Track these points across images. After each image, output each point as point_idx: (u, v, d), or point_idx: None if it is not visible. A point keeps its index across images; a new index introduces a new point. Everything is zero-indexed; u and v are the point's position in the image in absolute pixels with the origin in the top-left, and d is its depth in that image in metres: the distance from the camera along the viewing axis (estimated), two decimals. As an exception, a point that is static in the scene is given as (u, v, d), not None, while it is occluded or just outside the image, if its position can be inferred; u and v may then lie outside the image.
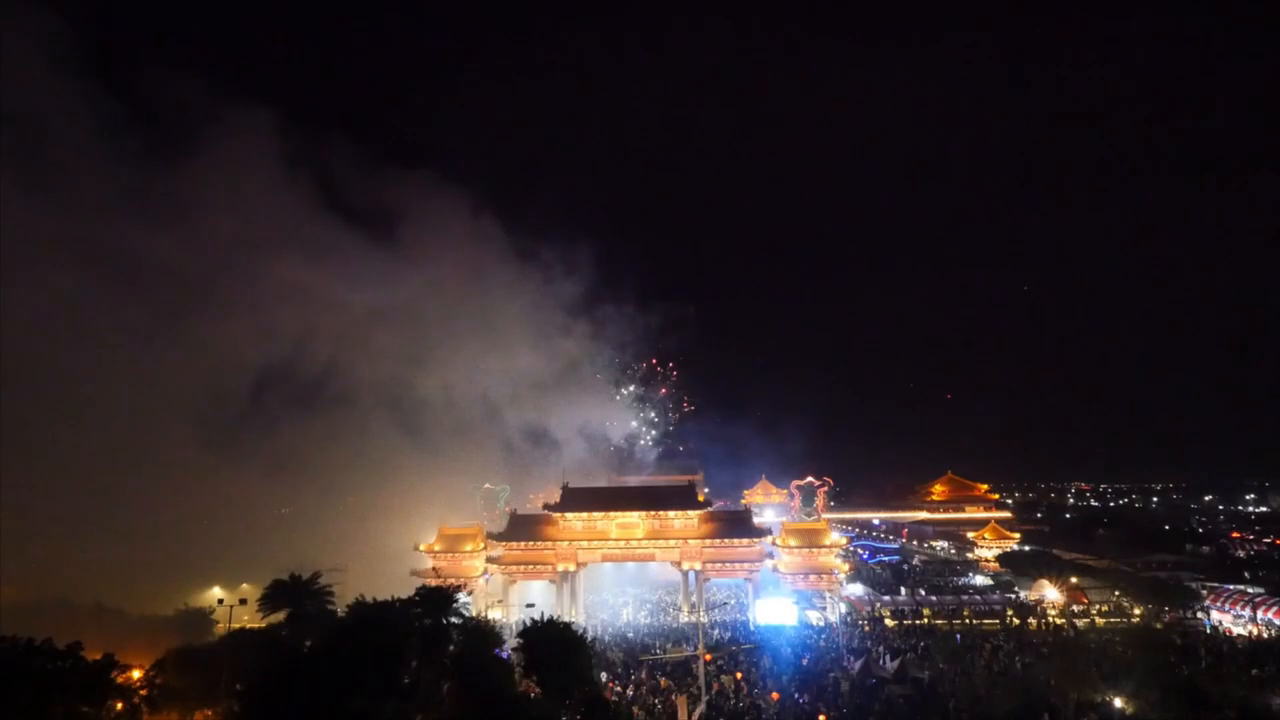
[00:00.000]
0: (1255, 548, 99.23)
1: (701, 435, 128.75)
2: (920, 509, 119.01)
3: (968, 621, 52.63)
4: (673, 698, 33.31)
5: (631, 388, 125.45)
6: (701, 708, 31.57)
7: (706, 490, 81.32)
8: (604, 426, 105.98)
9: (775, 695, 33.78)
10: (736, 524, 60.44)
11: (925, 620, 53.27)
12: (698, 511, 59.17)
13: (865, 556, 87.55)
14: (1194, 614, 53.60)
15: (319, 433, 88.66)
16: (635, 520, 59.10)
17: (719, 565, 57.67)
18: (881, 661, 39.29)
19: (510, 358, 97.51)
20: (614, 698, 33.20)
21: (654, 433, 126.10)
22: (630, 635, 50.82)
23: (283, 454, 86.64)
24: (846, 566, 60.63)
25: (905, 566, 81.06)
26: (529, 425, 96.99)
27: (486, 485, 69.36)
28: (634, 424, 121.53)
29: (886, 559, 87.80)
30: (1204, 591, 56.56)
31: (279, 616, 32.66)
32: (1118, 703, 29.62)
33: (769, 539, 58.67)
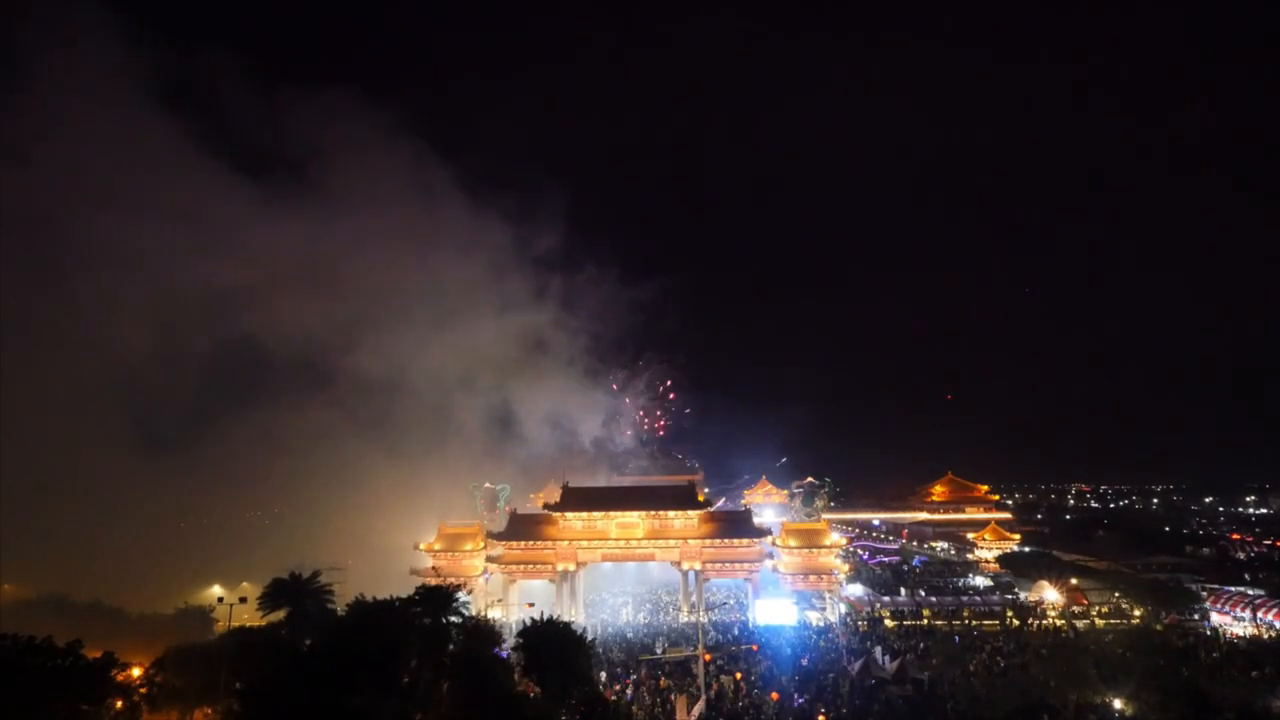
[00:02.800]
0: (1255, 549, 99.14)
1: (699, 434, 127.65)
2: (920, 510, 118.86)
3: (967, 622, 52.62)
4: (672, 697, 33.34)
5: (630, 379, 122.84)
6: (700, 707, 31.59)
7: (706, 490, 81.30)
8: (600, 423, 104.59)
9: (775, 695, 33.78)
10: (736, 524, 60.40)
11: (925, 621, 53.27)
12: (698, 511, 59.15)
13: (865, 557, 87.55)
14: (1194, 616, 53.60)
15: (312, 430, 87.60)
16: (635, 520, 59.10)
17: (719, 565, 57.66)
18: (881, 662, 39.29)
19: (504, 347, 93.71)
20: (614, 697, 33.19)
21: (644, 429, 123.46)
22: (630, 635, 50.83)
23: (274, 452, 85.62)
24: (846, 567, 60.63)
25: (905, 567, 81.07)
26: (526, 423, 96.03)
27: (487, 484, 69.31)
28: (628, 421, 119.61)
29: (886, 559, 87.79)
30: (1204, 593, 56.59)
31: (279, 615, 32.73)
32: (1117, 704, 29.63)
33: (769, 539, 58.67)
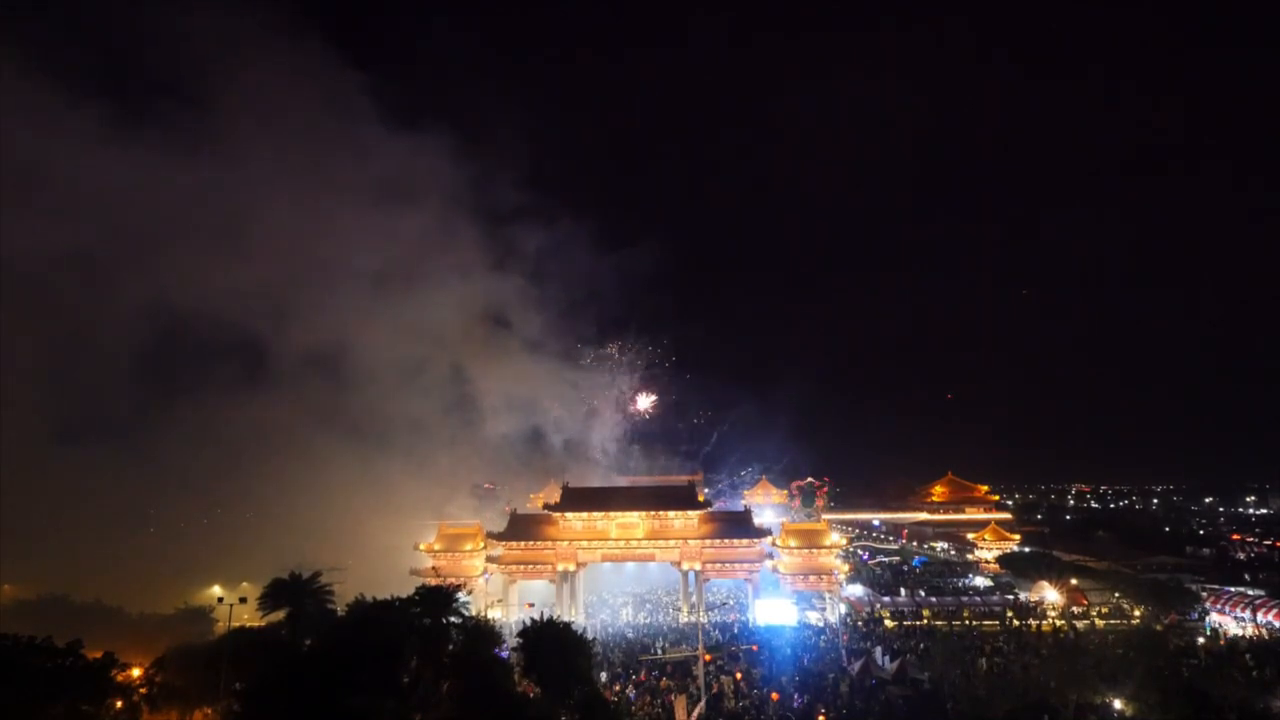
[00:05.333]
0: (1255, 550, 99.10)
1: (692, 432, 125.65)
2: (920, 510, 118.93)
3: (967, 623, 52.62)
4: (671, 697, 33.33)
5: (621, 366, 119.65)
6: (701, 708, 31.58)
7: (706, 490, 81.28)
8: (598, 422, 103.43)
9: (775, 695, 33.78)
10: (736, 524, 60.43)
11: (925, 621, 53.27)
12: (698, 512, 59.18)
13: (865, 557, 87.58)
14: (1194, 616, 53.60)
15: (310, 429, 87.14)
16: (635, 520, 59.12)
17: (719, 565, 57.68)
18: (881, 662, 39.31)
19: (499, 342, 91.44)
20: (613, 698, 33.20)
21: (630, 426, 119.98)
22: (630, 635, 50.85)
23: (270, 453, 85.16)
24: (846, 567, 60.67)
25: (905, 567, 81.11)
26: (525, 421, 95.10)
27: (486, 484, 69.14)
28: (623, 419, 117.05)
29: (886, 560, 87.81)
30: (1204, 594, 56.59)
31: (279, 615, 32.64)
32: (1117, 704, 29.64)
33: (769, 539, 58.69)
